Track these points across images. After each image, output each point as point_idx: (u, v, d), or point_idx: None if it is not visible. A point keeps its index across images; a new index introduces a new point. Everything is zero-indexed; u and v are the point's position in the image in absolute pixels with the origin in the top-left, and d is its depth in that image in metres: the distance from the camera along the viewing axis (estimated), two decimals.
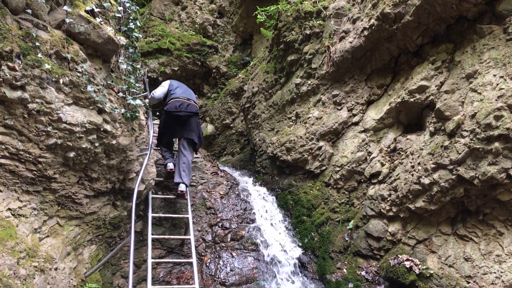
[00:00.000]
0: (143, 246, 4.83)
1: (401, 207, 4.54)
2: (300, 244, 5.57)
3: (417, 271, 4.08)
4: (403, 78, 5.21)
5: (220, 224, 5.61)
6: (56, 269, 3.34)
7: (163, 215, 5.20)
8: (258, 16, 7.67)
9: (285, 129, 6.86)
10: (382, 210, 4.79)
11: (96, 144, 3.62)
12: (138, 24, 4.57)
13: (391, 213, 4.68)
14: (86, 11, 3.50)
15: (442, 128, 4.21)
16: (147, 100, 5.86)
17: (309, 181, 6.14)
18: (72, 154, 3.43)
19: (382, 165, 5.09)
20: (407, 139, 4.90)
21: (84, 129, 3.42)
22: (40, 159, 3.24)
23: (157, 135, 5.88)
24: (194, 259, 4.39)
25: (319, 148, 5.98)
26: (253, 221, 5.82)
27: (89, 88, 3.39)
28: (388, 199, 4.74)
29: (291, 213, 6.13)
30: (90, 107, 3.49)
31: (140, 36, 4.83)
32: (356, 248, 4.97)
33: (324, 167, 5.93)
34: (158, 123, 5.98)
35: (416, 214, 4.43)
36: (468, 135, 3.78)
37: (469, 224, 4.02)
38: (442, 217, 4.26)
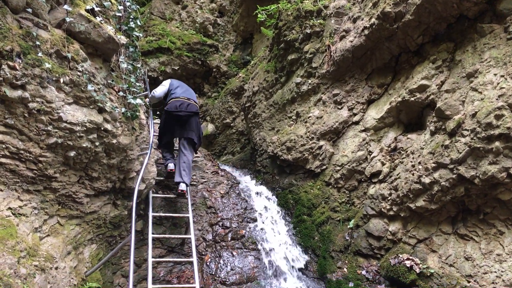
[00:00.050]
0: (144, 245, 4.83)
1: (402, 207, 4.54)
2: (301, 243, 5.58)
3: (417, 270, 4.08)
4: (403, 77, 5.20)
5: (220, 223, 5.61)
6: (56, 268, 3.34)
7: (163, 214, 5.20)
8: (259, 15, 7.68)
9: (285, 128, 6.86)
10: (382, 209, 4.79)
11: (97, 143, 3.62)
12: (139, 23, 4.56)
13: (391, 213, 4.68)
14: (87, 10, 3.50)
15: (443, 127, 4.20)
16: (147, 100, 5.86)
17: (309, 181, 6.14)
18: (72, 153, 3.43)
19: (383, 164, 5.09)
20: (408, 138, 4.89)
21: (85, 128, 3.42)
22: (40, 158, 3.24)
23: (157, 135, 5.89)
24: (194, 258, 4.39)
25: (320, 147, 5.98)
26: (253, 220, 5.83)
27: (90, 87, 3.39)
28: (389, 198, 4.73)
29: (291, 212, 6.13)
30: (91, 106, 3.49)
31: (141, 35, 4.82)
32: (357, 247, 4.97)
33: (324, 167, 5.93)
34: (159, 122, 5.98)
35: (417, 213, 4.42)
36: (468, 134, 3.78)
37: (469, 223, 4.02)
38: (443, 216, 4.26)
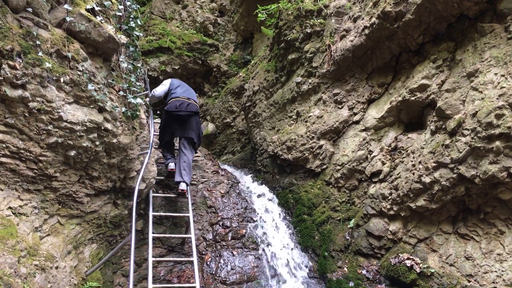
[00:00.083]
0: (144, 245, 4.83)
1: (402, 206, 4.54)
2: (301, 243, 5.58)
3: (418, 270, 4.08)
4: (404, 77, 5.20)
5: (220, 223, 5.61)
6: (57, 267, 3.34)
7: (163, 213, 5.21)
8: (259, 15, 7.67)
9: (286, 128, 6.86)
10: (383, 209, 4.78)
11: (97, 143, 3.62)
12: (139, 22, 4.56)
13: (392, 212, 4.68)
14: (87, 10, 3.50)
15: (443, 126, 4.20)
16: (148, 99, 5.87)
17: (310, 180, 6.14)
18: (72, 153, 3.43)
19: (383, 163, 5.08)
20: (408, 137, 4.89)
21: (85, 128, 3.42)
22: (40, 158, 3.24)
23: (158, 134, 5.89)
24: (194, 258, 4.39)
25: (320, 146, 5.97)
26: (253, 219, 5.83)
27: (90, 86, 3.39)
28: (389, 198, 4.73)
29: (291, 212, 6.13)
30: (91, 106, 3.49)
31: (141, 34, 4.82)
32: (357, 247, 4.97)
33: (325, 166, 5.93)
34: (159, 122, 5.98)
35: (417, 213, 4.42)
36: (469, 134, 3.78)
37: (470, 223, 4.02)
38: (443, 216, 4.25)
